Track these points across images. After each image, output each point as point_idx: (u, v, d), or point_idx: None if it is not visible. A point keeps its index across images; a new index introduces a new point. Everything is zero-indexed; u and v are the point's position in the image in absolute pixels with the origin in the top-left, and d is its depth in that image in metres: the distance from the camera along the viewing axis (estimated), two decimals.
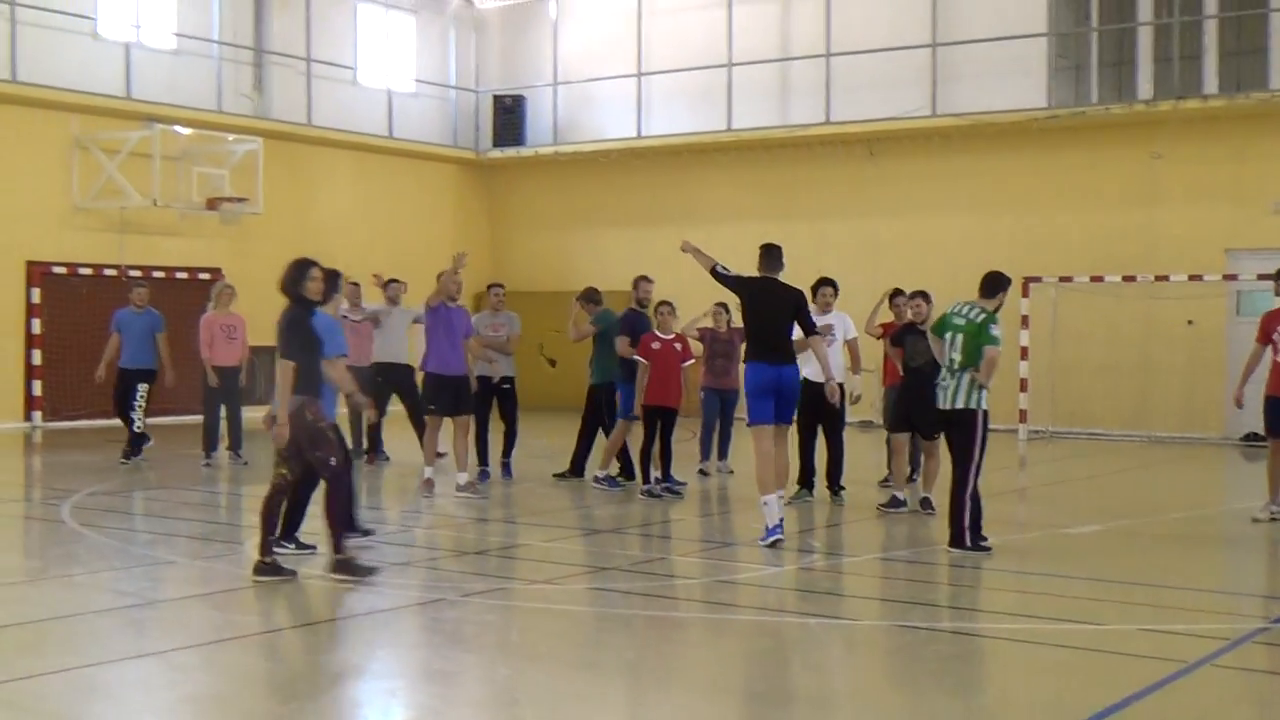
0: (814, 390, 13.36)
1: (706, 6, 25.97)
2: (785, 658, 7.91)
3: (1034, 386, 21.15)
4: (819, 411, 13.49)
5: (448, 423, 13.92)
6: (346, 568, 9.35)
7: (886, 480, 13.81)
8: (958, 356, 10.81)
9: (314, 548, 10.20)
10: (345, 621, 8.58)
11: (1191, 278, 20.70)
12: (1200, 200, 21.57)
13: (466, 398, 13.89)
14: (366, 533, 10.89)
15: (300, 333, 9.37)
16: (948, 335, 10.96)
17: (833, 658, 7.95)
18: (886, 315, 14.59)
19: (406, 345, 16.31)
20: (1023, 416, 21.12)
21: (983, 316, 10.90)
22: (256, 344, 16.79)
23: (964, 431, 10.80)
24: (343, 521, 9.52)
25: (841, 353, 13.71)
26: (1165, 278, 20.86)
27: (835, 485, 13.70)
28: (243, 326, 16.50)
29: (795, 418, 13.45)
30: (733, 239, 24.91)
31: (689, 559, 10.89)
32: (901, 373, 13.19)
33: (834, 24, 24.27)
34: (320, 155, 25.46)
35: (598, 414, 14.96)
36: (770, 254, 11.82)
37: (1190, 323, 21.32)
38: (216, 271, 23.26)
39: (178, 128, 22.43)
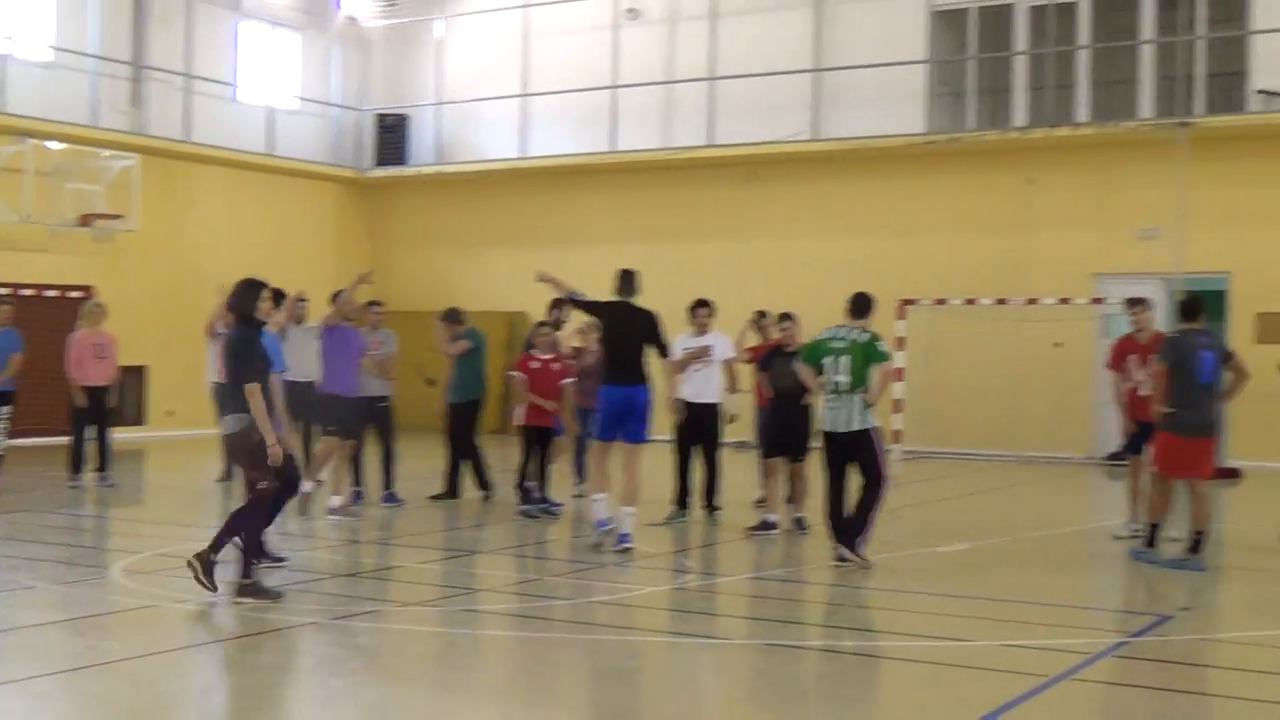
0: (692, 410, 13.50)
1: (592, 29, 26.07)
2: (656, 677, 7.94)
3: (909, 407, 21.46)
4: (696, 431, 13.60)
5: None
6: (251, 591, 9.37)
7: (761, 501, 13.93)
8: (845, 378, 10.98)
9: (284, 559, 10.54)
10: (212, 647, 8.46)
11: (1061, 301, 21.18)
12: (1070, 225, 22.09)
13: (360, 420, 13.89)
14: (279, 560, 10.75)
15: (254, 352, 9.52)
16: (828, 359, 11.09)
17: (703, 677, 7.99)
18: (754, 338, 14.73)
19: (314, 364, 15.83)
20: (897, 437, 21.41)
21: (868, 336, 11.15)
22: (127, 364, 16.48)
23: (868, 451, 11.05)
24: (255, 545, 9.59)
25: (720, 373, 13.80)
26: (1036, 301, 21.32)
27: (711, 505, 13.78)
28: (113, 346, 16.17)
29: (674, 438, 13.65)
30: (616, 259, 24.75)
31: (563, 579, 10.89)
32: (769, 395, 13.32)
33: (718, 48, 24.50)
34: (198, 172, 25.09)
35: (462, 431, 15.01)
36: (625, 278, 12.23)
37: (1058, 345, 21.79)
38: (89, 290, 22.78)
39: (51, 143, 21.97)
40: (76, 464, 15.98)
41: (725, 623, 9.56)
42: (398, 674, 7.77)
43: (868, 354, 11.03)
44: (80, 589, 10.03)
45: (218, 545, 9.49)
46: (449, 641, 8.66)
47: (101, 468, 16.11)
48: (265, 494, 9.58)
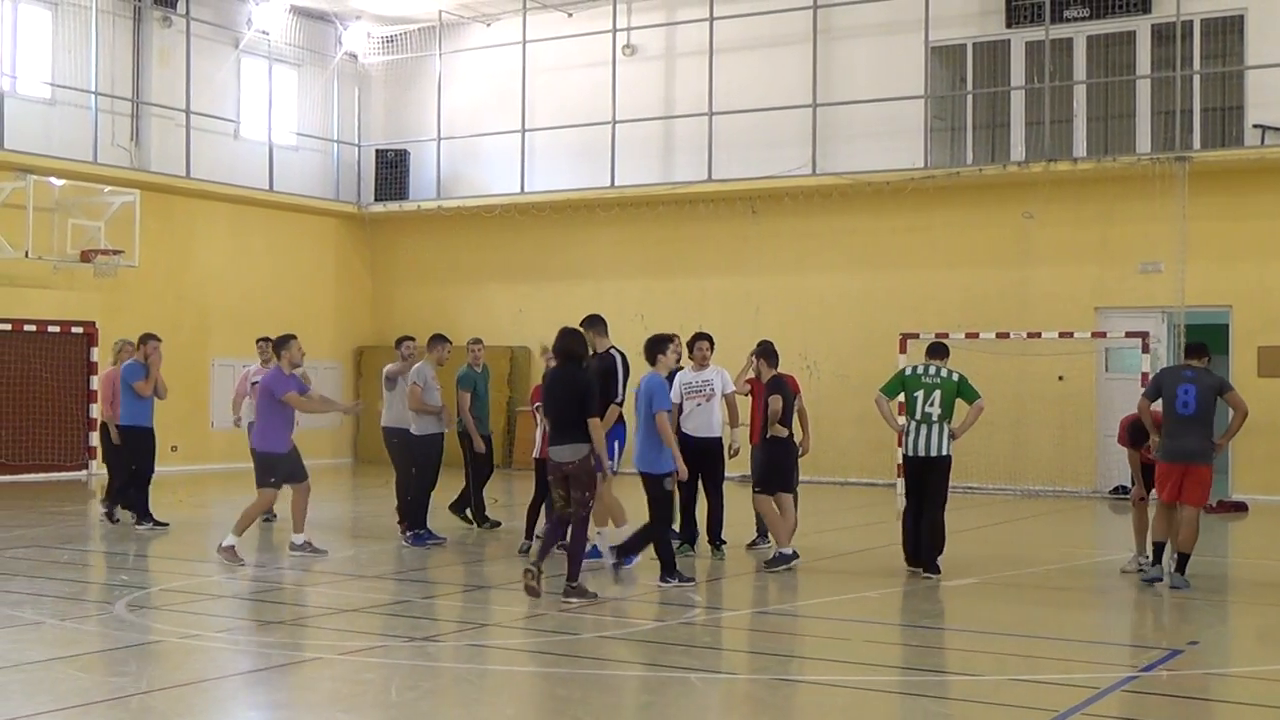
0: (696, 445, 13.50)
1: (591, 65, 26.18)
2: (667, 713, 7.91)
3: None
4: (700, 466, 13.58)
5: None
6: (578, 592, 10.91)
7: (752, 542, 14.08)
8: (937, 410, 12.46)
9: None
10: (218, 682, 8.42)
11: (1062, 335, 21.21)
12: (1070, 259, 22.14)
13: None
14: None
15: (594, 390, 11.27)
16: (919, 393, 12.51)
17: (712, 712, 7.96)
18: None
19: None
20: (900, 471, 21.35)
21: (958, 376, 12.69)
22: None
23: (945, 474, 12.53)
24: (580, 555, 11.13)
25: (720, 408, 13.79)
26: (1037, 335, 21.34)
27: (716, 540, 13.74)
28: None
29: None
30: (616, 295, 25.10)
31: (571, 615, 10.86)
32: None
33: (716, 83, 24.60)
34: (199, 208, 25.15)
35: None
36: (593, 322, 12.98)
37: (1061, 378, 21.80)
38: (90, 325, 22.84)
39: (52, 179, 22.04)
40: (116, 499, 15.88)
41: (733, 657, 9.53)
42: (408, 711, 7.73)
43: (960, 392, 12.57)
44: (87, 624, 10.00)
45: (575, 568, 10.98)
46: (457, 677, 8.64)
47: (127, 505, 15.90)
48: (590, 512, 11.10)
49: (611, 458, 12.72)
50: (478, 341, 16.07)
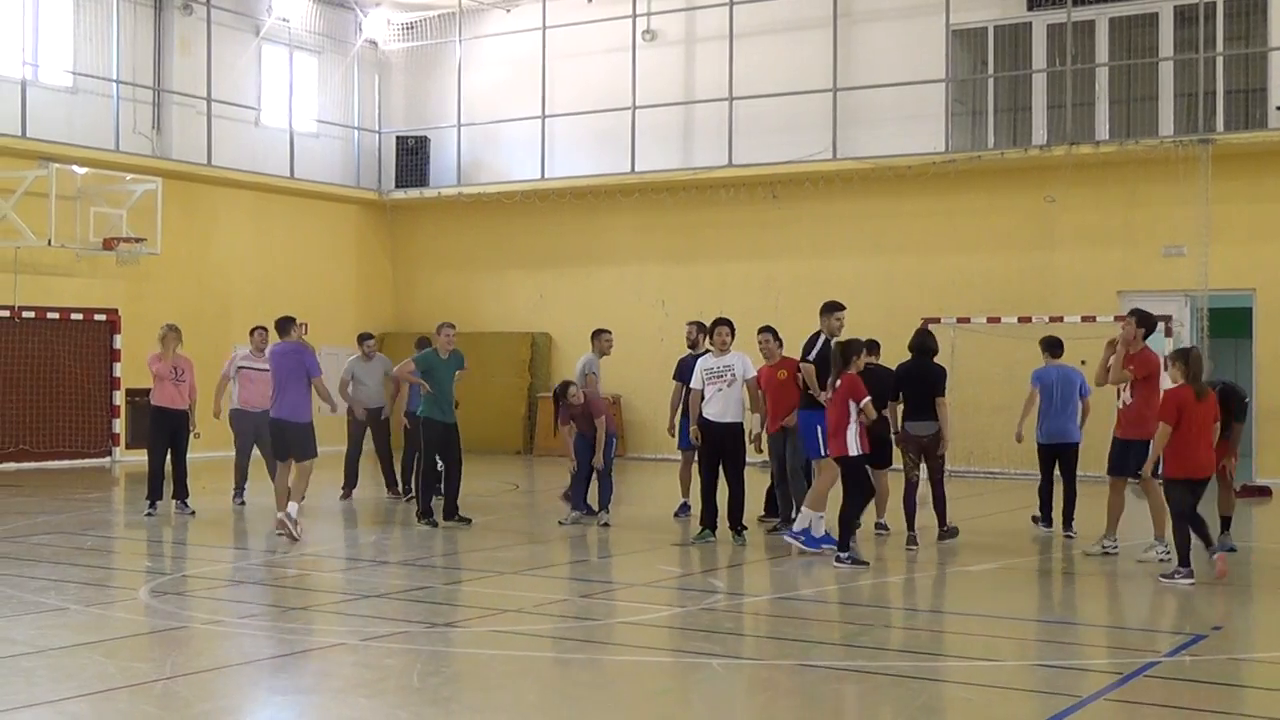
0: (717, 430, 13.50)
1: (610, 50, 26.14)
2: (688, 699, 7.92)
3: None
4: (721, 451, 13.58)
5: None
6: (950, 534, 13.41)
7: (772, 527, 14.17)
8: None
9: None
10: (241, 668, 8.46)
11: (1085, 319, 21.11)
12: (1093, 243, 22.05)
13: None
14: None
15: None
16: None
17: (734, 698, 7.96)
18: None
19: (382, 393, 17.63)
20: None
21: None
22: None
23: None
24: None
25: (741, 393, 13.78)
26: (1060, 319, 21.25)
27: (737, 525, 13.72)
28: (190, 369, 15.75)
29: (696, 459, 13.63)
30: (636, 280, 25.11)
31: (593, 600, 10.88)
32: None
33: (736, 68, 24.54)
34: (220, 195, 25.21)
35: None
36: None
37: (1083, 363, 21.65)
38: (113, 312, 22.95)
39: (74, 167, 22.11)
40: (155, 491, 15.50)
41: (755, 643, 9.53)
42: (429, 696, 7.75)
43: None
44: (111, 610, 10.04)
45: (943, 519, 13.41)
46: (480, 663, 8.65)
47: (179, 494, 15.66)
48: (917, 482, 13.37)
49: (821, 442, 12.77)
50: (449, 326, 15.84)
